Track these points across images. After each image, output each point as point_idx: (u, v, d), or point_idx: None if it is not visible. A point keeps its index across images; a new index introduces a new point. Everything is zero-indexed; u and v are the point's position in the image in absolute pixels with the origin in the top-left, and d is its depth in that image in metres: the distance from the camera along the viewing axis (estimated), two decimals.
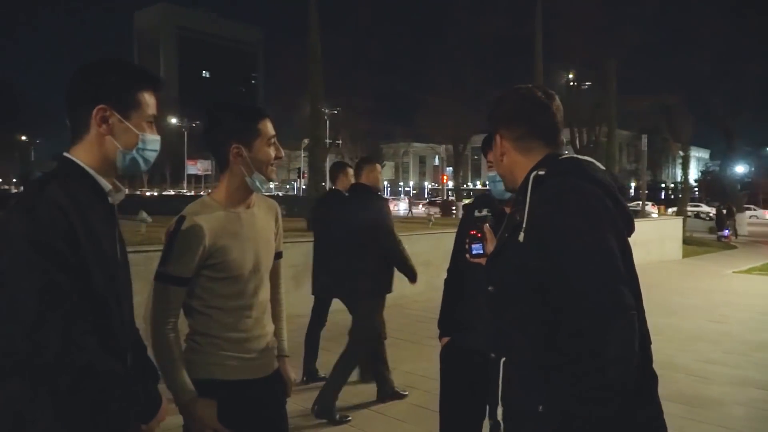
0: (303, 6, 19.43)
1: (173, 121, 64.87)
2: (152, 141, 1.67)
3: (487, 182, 2.65)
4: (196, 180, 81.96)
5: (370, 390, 4.91)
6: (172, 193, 65.31)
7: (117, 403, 1.48)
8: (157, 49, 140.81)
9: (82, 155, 1.58)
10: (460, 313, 2.65)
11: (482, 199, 2.23)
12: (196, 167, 77.84)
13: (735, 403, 4.85)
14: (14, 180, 72.14)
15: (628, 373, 1.32)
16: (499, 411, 1.55)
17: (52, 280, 1.37)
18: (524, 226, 1.47)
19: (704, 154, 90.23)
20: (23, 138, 64.00)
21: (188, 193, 60.90)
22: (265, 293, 2.20)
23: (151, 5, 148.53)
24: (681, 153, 38.81)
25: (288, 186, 79.31)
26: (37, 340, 1.34)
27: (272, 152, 2.10)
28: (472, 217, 2.13)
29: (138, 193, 53.91)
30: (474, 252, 2.07)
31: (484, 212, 2.12)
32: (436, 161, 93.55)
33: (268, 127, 2.10)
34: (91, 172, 1.57)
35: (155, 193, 63.27)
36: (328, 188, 6.44)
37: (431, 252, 9.27)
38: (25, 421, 1.40)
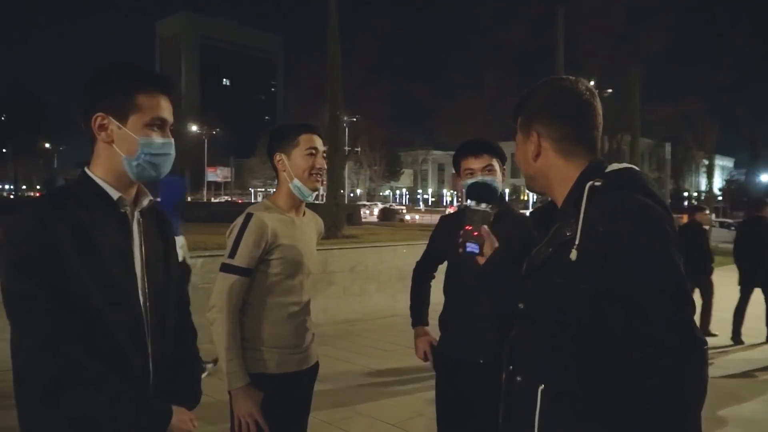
0: (323, 14, 19.45)
1: (194, 128, 65.41)
2: (158, 145, 1.55)
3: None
4: (215, 187, 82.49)
5: None
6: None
7: (107, 410, 1.40)
8: (178, 57, 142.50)
9: (95, 166, 1.56)
10: (452, 314, 2.57)
11: (479, 189, 1.91)
12: (215, 174, 78.33)
13: None
14: (38, 186, 73.34)
15: (698, 412, 1.19)
16: None
17: (26, 291, 1.37)
18: (577, 243, 1.28)
19: (728, 162, 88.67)
20: (47, 145, 65.13)
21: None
22: (308, 294, 2.40)
23: (173, 14, 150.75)
24: (705, 161, 38.25)
25: None
26: (34, 355, 1.37)
27: (309, 161, 2.31)
28: (466, 209, 1.77)
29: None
30: (468, 249, 1.73)
31: (483, 206, 1.73)
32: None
33: (308, 140, 2.33)
34: (98, 180, 1.53)
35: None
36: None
37: None
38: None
